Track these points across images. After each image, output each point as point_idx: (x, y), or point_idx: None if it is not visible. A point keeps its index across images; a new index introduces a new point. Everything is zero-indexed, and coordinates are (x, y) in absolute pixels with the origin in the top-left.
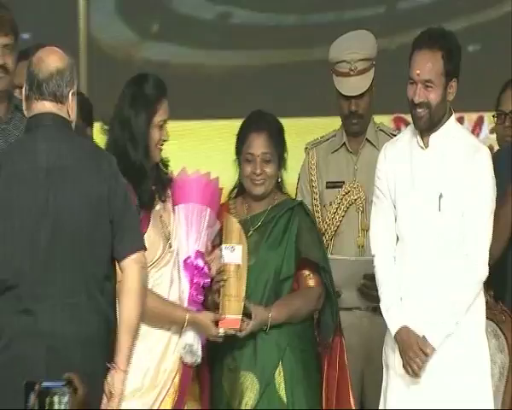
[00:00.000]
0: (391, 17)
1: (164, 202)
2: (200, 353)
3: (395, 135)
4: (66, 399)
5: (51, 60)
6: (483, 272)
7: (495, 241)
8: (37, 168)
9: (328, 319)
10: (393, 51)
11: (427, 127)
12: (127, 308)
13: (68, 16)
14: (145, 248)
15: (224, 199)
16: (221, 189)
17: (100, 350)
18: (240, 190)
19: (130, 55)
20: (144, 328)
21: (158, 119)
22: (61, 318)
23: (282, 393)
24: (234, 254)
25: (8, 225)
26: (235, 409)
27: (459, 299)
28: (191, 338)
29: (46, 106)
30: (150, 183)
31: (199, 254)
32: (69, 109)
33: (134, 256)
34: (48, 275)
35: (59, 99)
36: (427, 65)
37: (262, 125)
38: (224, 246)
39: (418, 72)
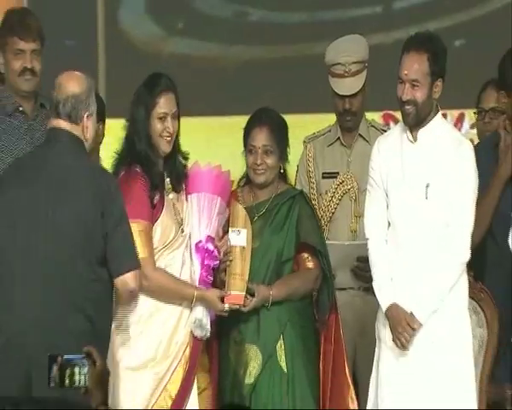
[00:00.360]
0: (387, 16)
1: (178, 192)
2: (208, 327)
3: (385, 130)
4: (85, 370)
5: (69, 84)
6: (465, 255)
7: (477, 227)
8: (42, 182)
9: (325, 299)
10: (386, 51)
11: (414, 123)
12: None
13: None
14: (138, 267)
15: (233, 188)
16: (232, 180)
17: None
18: (247, 179)
19: (158, 50)
20: (158, 303)
21: (158, 111)
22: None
23: (283, 364)
24: (239, 237)
25: (11, 232)
26: (241, 378)
27: (443, 279)
28: (200, 313)
29: (61, 124)
30: (158, 169)
31: (209, 238)
32: (84, 129)
33: (122, 278)
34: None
35: (73, 119)
36: (414, 66)
37: (264, 120)
38: (230, 229)
39: (406, 72)
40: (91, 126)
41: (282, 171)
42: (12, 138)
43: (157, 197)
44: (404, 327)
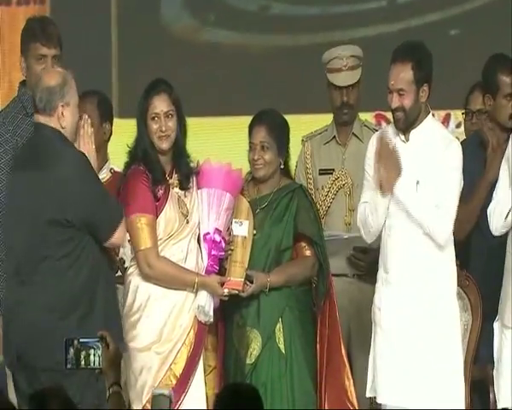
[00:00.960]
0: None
1: (185, 189)
2: (211, 313)
3: (377, 130)
4: (99, 352)
5: (44, 79)
6: (447, 226)
7: (464, 224)
8: (24, 171)
9: (321, 286)
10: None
11: (404, 127)
12: None
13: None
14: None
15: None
16: (241, 175)
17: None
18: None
19: (194, 38)
20: (162, 289)
21: (150, 112)
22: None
23: (282, 346)
24: (241, 228)
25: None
26: (243, 359)
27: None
28: (203, 301)
29: (39, 118)
30: (159, 166)
31: (217, 231)
32: (60, 118)
33: (106, 244)
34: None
35: (47, 111)
36: (400, 75)
37: (263, 119)
38: (234, 220)
39: (392, 82)
40: (69, 115)
41: (282, 167)
42: None
43: (161, 191)
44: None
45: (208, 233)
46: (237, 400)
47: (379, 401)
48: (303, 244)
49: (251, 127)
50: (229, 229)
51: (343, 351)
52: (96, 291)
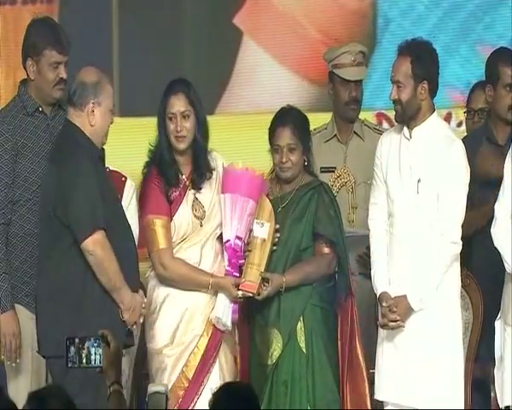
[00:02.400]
0: None
1: (200, 189)
2: (229, 324)
3: (377, 128)
4: (100, 350)
5: (80, 75)
6: (456, 248)
7: (473, 226)
8: (47, 160)
9: (342, 283)
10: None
11: (401, 120)
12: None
13: None
14: (94, 231)
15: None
16: (265, 181)
17: None
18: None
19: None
20: (176, 292)
21: (167, 112)
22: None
23: (303, 345)
24: (262, 230)
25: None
26: (264, 359)
27: (434, 271)
28: (221, 312)
29: (70, 110)
30: (173, 170)
31: (238, 238)
32: (89, 116)
33: (82, 245)
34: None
35: (78, 106)
36: (399, 68)
37: (287, 119)
38: (255, 221)
39: (393, 74)
40: (99, 115)
41: (306, 164)
42: (32, 137)
43: (175, 193)
44: (386, 314)
45: (229, 241)
46: (234, 399)
47: (379, 398)
48: (321, 242)
49: (274, 128)
50: (250, 232)
51: (358, 350)
52: (89, 292)
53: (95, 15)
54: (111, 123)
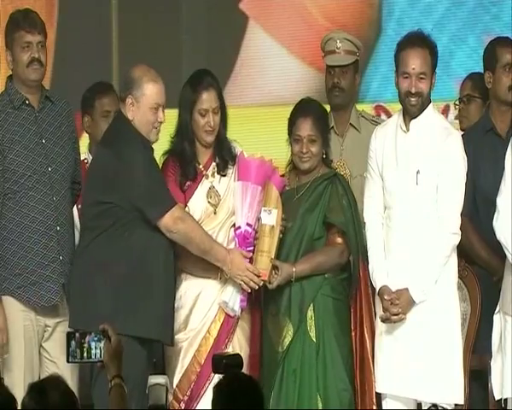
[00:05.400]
0: None
1: (224, 176)
2: (236, 308)
3: (374, 120)
4: (101, 344)
5: (131, 70)
6: (455, 238)
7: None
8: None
9: (354, 273)
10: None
11: (419, 113)
12: None
13: None
14: (169, 208)
15: (282, 172)
16: (274, 169)
17: None
18: (293, 164)
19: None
20: (187, 277)
21: (199, 107)
22: None
23: (312, 334)
24: (270, 217)
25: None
26: (275, 347)
27: (434, 263)
28: (228, 297)
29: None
30: (191, 164)
31: (248, 225)
32: (127, 108)
33: (161, 226)
34: None
35: (121, 97)
36: (421, 60)
37: (308, 110)
38: (263, 209)
39: (414, 66)
40: (137, 112)
41: (324, 156)
42: (20, 130)
43: (188, 183)
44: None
45: (239, 228)
46: (236, 390)
47: (378, 390)
48: (334, 231)
49: (294, 119)
50: (258, 220)
51: (367, 343)
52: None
53: (95, 15)
54: (159, 122)
